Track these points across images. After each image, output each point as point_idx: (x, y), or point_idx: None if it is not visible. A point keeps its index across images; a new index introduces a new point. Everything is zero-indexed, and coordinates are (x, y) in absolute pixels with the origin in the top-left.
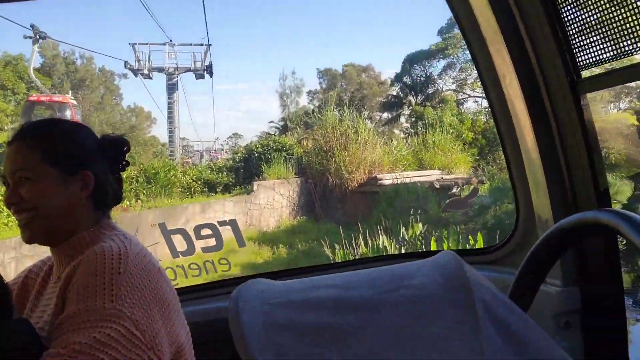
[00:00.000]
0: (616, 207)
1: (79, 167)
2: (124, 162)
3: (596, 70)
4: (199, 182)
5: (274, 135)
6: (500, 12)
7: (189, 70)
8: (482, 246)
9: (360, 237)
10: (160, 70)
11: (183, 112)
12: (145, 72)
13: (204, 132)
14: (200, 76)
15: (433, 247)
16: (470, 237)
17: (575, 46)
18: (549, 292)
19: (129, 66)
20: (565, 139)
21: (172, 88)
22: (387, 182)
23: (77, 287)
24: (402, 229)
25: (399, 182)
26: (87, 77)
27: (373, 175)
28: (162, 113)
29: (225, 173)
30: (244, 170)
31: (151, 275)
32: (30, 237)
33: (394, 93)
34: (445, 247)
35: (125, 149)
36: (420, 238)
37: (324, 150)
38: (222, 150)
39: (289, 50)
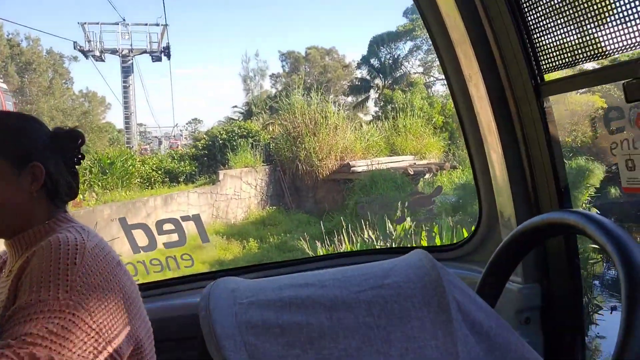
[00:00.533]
0: (590, 190)
1: (29, 160)
2: (79, 156)
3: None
4: (160, 172)
5: (238, 121)
6: (468, 15)
7: (144, 52)
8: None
9: (344, 232)
10: (114, 52)
11: (140, 96)
12: (97, 54)
13: (163, 118)
14: (157, 58)
15: (424, 243)
16: (464, 231)
17: (540, 50)
18: (511, 289)
19: (78, 47)
20: (528, 139)
21: (127, 71)
22: (360, 169)
23: (30, 278)
24: (388, 223)
25: (372, 168)
26: (33, 60)
27: (345, 162)
28: (116, 98)
29: (187, 162)
30: (208, 158)
31: (109, 268)
32: None
33: (360, 76)
34: (437, 242)
35: (79, 141)
36: (411, 234)
37: (292, 136)
38: (182, 136)
39: (250, 32)
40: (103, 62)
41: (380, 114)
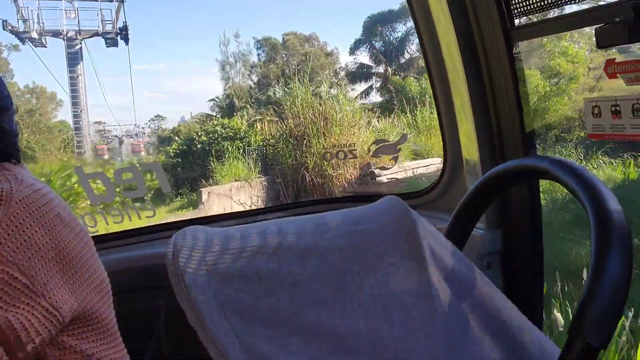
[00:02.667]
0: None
1: None
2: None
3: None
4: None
5: (219, 119)
6: None
7: (96, 34)
8: None
9: None
10: (57, 34)
11: (94, 89)
12: (35, 36)
13: (123, 115)
14: (112, 43)
15: None
16: None
17: None
18: (474, 235)
19: (9, 28)
20: (496, 85)
21: (74, 58)
22: (385, 179)
23: None
24: None
25: (400, 176)
26: None
27: (369, 170)
28: (65, 91)
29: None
30: (184, 169)
31: (45, 221)
32: None
33: (355, 63)
34: None
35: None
36: None
37: (294, 136)
38: (144, 134)
39: (221, 17)
40: (45, 48)
41: (387, 106)
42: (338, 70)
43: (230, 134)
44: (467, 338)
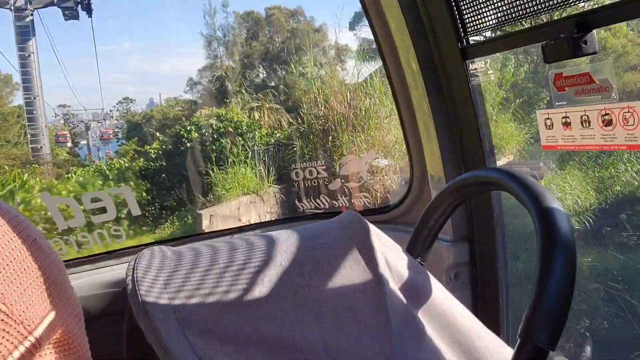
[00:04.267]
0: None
1: None
2: None
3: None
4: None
5: (213, 109)
6: None
7: (51, 3)
8: None
9: None
10: (2, 3)
11: (53, 69)
12: None
13: (88, 98)
14: (70, 14)
15: None
16: None
17: (466, 13)
18: (441, 247)
19: None
20: (456, 102)
21: (24, 33)
22: None
23: None
24: None
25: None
26: None
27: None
28: (16, 70)
29: (133, 181)
30: (172, 179)
31: (22, 249)
32: None
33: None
34: None
35: None
36: None
37: (315, 131)
38: (112, 117)
39: None
40: None
41: None
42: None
43: (230, 128)
44: (421, 346)
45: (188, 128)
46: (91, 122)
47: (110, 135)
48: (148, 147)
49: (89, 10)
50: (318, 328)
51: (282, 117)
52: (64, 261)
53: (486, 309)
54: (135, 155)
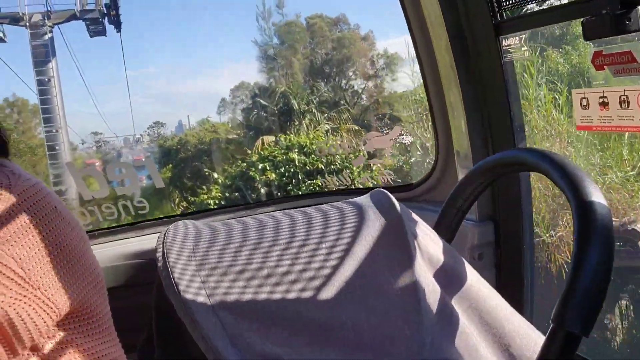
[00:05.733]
0: None
1: None
2: None
3: None
4: None
5: (276, 133)
6: None
7: (73, 17)
8: None
9: None
10: (15, 19)
11: (75, 95)
12: None
13: (117, 123)
14: (96, 30)
15: None
16: None
17: None
18: (466, 226)
19: None
20: (485, 78)
21: (42, 54)
22: None
23: None
24: None
25: None
26: None
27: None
28: (36, 98)
29: None
30: None
31: (42, 215)
32: None
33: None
34: None
35: None
36: None
37: None
38: (142, 142)
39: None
40: (4, 43)
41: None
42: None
43: (320, 164)
44: (451, 328)
45: (259, 165)
46: (123, 148)
47: (143, 161)
48: (205, 197)
49: (117, 24)
50: (345, 305)
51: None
52: (88, 232)
53: (509, 291)
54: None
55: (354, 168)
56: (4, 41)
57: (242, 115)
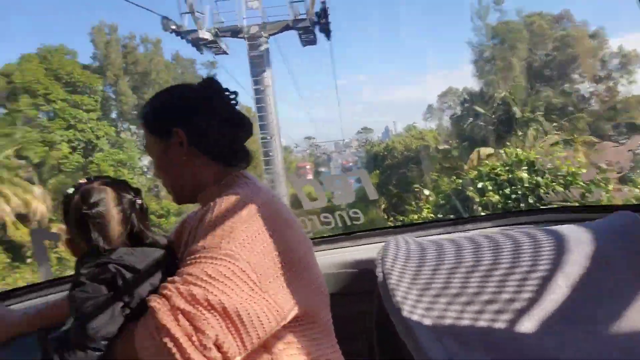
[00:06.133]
0: None
1: (170, 126)
2: (232, 107)
3: None
4: None
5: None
6: None
7: (286, 27)
8: None
9: None
10: (235, 32)
11: (289, 102)
12: (206, 36)
13: (326, 128)
14: (307, 39)
15: None
16: None
17: None
18: None
19: (172, 28)
20: None
21: (258, 64)
22: None
23: (203, 227)
24: None
25: None
26: (151, 70)
27: None
28: (251, 104)
29: None
30: None
31: (276, 226)
32: (173, 200)
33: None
34: None
35: (229, 94)
36: None
37: None
38: (351, 147)
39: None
40: (226, 55)
41: None
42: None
43: (558, 187)
44: None
45: (478, 184)
46: (333, 153)
47: (351, 166)
48: (416, 217)
49: (327, 33)
50: (591, 347)
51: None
52: (311, 239)
53: None
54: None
55: (607, 188)
56: (226, 53)
57: (450, 122)
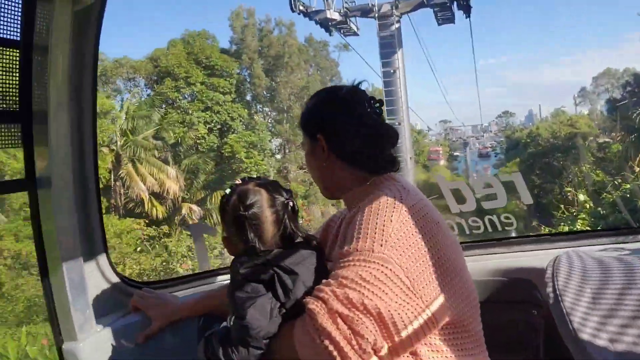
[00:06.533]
0: None
1: (315, 132)
2: (375, 114)
3: None
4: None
5: None
6: None
7: (421, 5)
8: None
9: None
10: (365, 11)
11: (424, 84)
12: (334, 16)
13: (464, 112)
14: (444, 17)
15: None
16: None
17: None
18: None
19: (300, 9)
20: None
21: (388, 45)
22: None
23: (353, 229)
24: None
25: None
26: (284, 53)
27: None
28: (379, 80)
29: None
30: None
31: (426, 229)
32: (324, 195)
33: None
34: None
35: (374, 103)
36: None
37: None
38: (490, 131)
39: None
40: (357, 37)
41: None
42: None
43: None
44: None
45: None
46: (470, 137)
47: (488, 152)
48: (567, 229)
49: (467, 10)
50: None
51: None
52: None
53: None
54: None
55: None
56: (357, 34)
57: (607, 108)
